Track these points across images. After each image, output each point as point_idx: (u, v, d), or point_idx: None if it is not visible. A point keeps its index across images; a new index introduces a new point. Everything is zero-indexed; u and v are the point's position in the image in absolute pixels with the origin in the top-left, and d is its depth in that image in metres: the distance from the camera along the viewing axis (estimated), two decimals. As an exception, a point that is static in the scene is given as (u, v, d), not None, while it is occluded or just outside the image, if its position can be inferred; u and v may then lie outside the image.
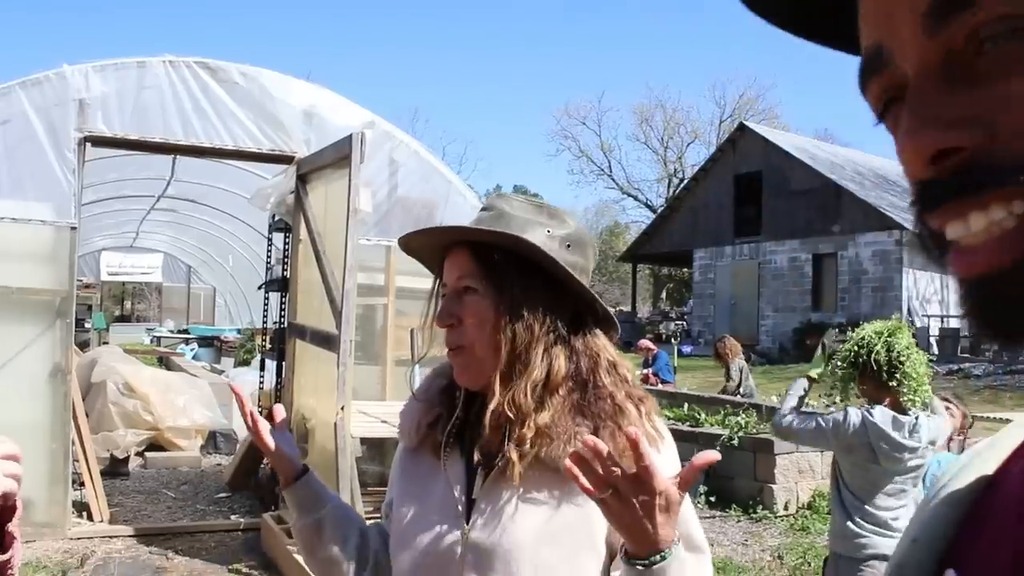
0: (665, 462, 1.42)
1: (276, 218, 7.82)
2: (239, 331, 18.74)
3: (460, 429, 1.53)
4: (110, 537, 6.51)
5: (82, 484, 6.92)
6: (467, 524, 1.46)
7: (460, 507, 1.48)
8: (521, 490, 1.44)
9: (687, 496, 1.41)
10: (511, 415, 1.42)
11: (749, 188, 26.48)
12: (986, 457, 0.66)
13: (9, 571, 1.22)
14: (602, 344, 1.52)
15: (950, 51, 0.48)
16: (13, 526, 1.23)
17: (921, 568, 0.63)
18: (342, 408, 5.45)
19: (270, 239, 8.53)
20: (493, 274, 1.46)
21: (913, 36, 0.50)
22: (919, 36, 0.49)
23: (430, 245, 1.56)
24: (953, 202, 0.49)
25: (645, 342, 14.65)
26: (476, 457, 1.51)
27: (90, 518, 6.79)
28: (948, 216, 0.50)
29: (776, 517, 7.69)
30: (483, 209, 1.58)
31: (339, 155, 5.89)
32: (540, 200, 1.61)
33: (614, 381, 1.48)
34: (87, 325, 17.07)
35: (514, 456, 1.40)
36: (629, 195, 50.31)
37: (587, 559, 1.42)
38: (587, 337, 1.50)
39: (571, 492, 1.41)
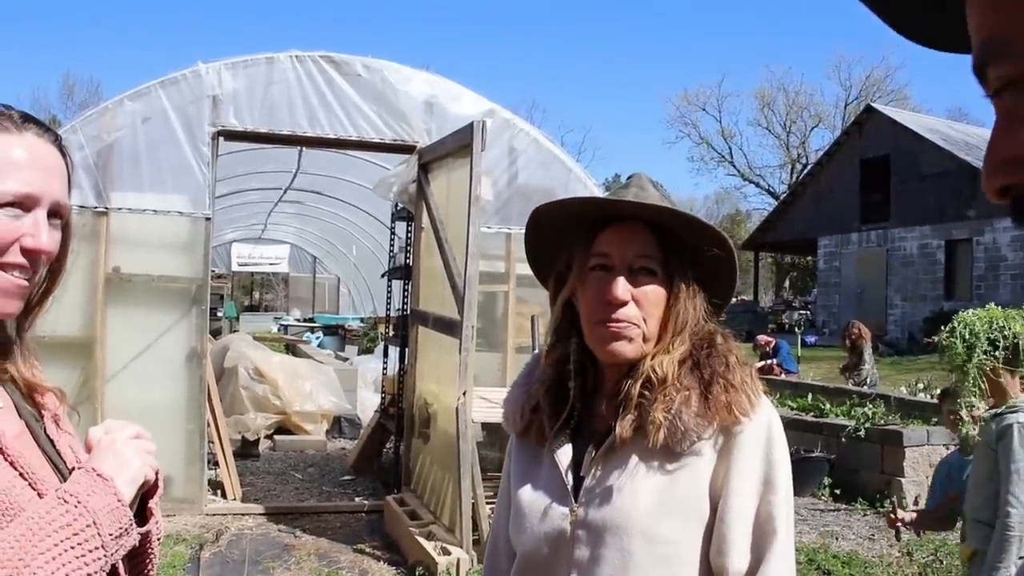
0: (753, 431, 1.46)
1: (399, 207, 7.98)
2: (362, 319, 19.21)
3: (571, 408, 1.56)
4: (242, 514, 6.79)
5: (216, 464, 7.24)
6: (575, 502, 1.49)
7: (568, 486, 1.51)
8: (630, 466, 1.46)
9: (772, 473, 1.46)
10: (655, 381, 1.47)
11: (876, 173, 25.54)
12: None
13: (148, 546, 1.30)
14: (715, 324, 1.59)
15: (996, 100, 0.54)
16: (154, 503, 1.31)
17: None
18: (464, 393, 5.54)
19: (393, 228, 8.70)
20: (671, 259, 1.51)
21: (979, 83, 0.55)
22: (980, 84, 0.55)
23: (585, 216, 1.57)
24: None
25: (763, 336, 14.38)
26: (583, 436, 1.55)
27: (224, 496, 7.11)
28: None
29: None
30: (630, 186, 1.58)
31: (460, 143, 5.97)
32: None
33: (726, 346, 1.53)
34: (219, 314, 17.80)
35: (660, 417, 1.43)
36: (751, 182, 49.25)
37: (697, 529, 1.45)
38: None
39: (681, 467, 1.45)
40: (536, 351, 1.73)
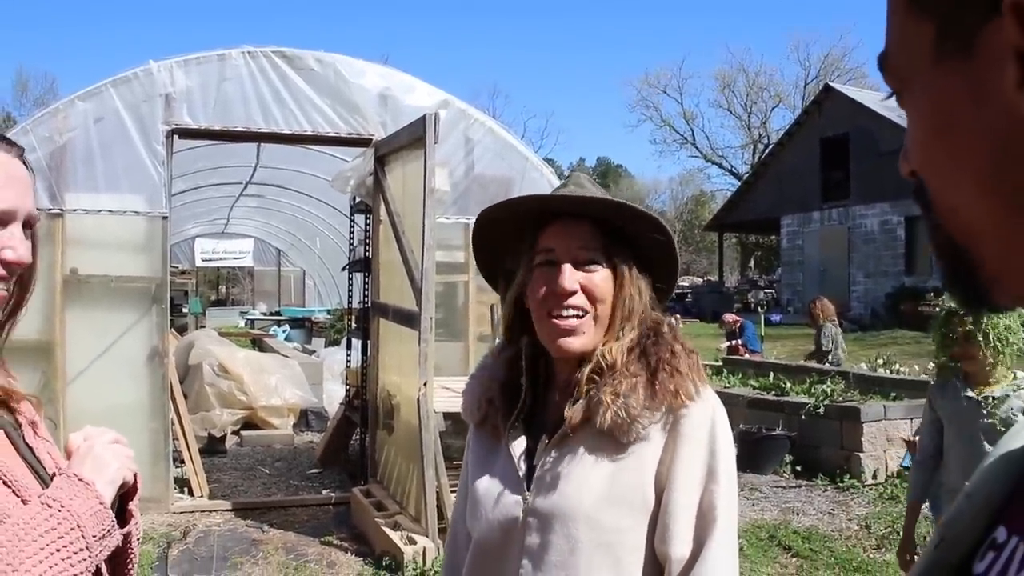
0: (699, 421, 1.51)
1: (357, 200, 7.99)
2: (329, 311, 19.16)
3: (522, 404, 1.61)
4: (210, 511, 6.81)
5: (182, 462, 7.24)
6: (527, 491, 1.55)
7: (521, 475, 1.57)
8: (579, 455, 1.52)
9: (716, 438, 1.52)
10: (605, 367, 1.52)
11: (836, 151, 25.82)
12: None
13: (129, 546, 1.36)
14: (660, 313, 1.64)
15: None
16: (133, 505, 1.37)
17: (973, 523, 0.66)
18: (424, 384, 5.58)
19: (352, 220, 8.72)
20: (613, 248, 1.57)
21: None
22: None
23: (527, 213, 1.62)
24: None
25: (729, 315, 14.54)
26: (537, 426, 1.61)
27: (191, 493, 7.11)
28: None
29: (864, 486, 7.59)
30: (565, 183, 1.66)
31: (414, 136, 5.99)
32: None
33: (672, 335, 1.59)
34: (184, 310, 17.67)
35: (607, 399, 1.49)
36: (713, 163, 49.59)
37: (642, 517, 1.50)
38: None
39: (628, 457, 1.50)
40: (496, 342, 1.79)
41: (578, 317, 1.53)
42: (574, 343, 1.54)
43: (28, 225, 1.29)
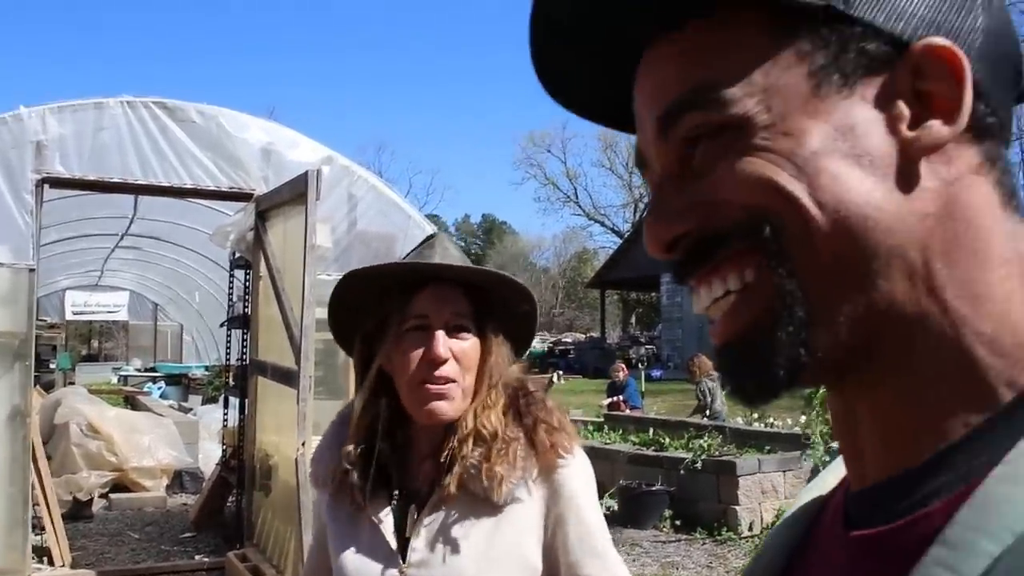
0: (573, 474, 1.54)
1: (237, 255, 7.84)
2: (207, 368, 18.60)
3: (376, 468, 1.57)
4: (72, 581, 6.46)
5: (43, 528, 6.85)
6: (403, 562, 1.51)
7: (393, 547, 1.52)
8: (455, 522, 1.50)
9: (589, 503, 1.54)
10: (487, 436, 1.51)
11: (714, 212, 26.70)
12: (831, 475, 0.69)
13: None
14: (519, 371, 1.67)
15: (678, 154, 0.59)
16: None
17: None
18: (303, 444, 5.46)
19: (232, 276, 8.54)
20: (481, 315, 1.59)
21: (654, 140, 0.60)
22: (657, 141, 0.60)
23: (397, 278, 1.61)
24: (690, 279, 0.59)
25: (621, 364, 14.73)
26: (401, 496, 1.58)
27: (51, 563, 6.72)
28: (694, 292, 0.60)
29: (740, 539, 7.75)
30: (434, 246, 1.64)
31: (295, 192, 5.93)
32: None
33: (539, 393, 1.62)
34: (52, 365, 16.88)
35: (501, 471, 1.47)
36: (596, 221, 50.82)
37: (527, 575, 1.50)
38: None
39: (504, 516, 1.50)
40: (342, 409, 1.75)
41: (448, 384, 1.53)
42: (445, 410, 1.52)
43: None
